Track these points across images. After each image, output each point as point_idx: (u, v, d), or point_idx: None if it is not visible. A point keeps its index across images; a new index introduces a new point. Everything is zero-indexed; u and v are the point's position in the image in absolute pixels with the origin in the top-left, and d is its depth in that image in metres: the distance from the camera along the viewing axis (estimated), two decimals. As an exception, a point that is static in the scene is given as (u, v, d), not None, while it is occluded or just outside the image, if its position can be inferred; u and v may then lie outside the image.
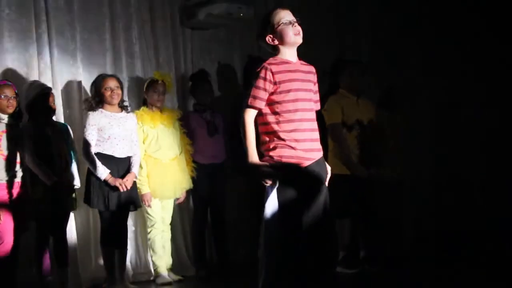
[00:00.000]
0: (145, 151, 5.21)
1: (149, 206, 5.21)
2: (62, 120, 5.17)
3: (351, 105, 5.32)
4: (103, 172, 4.83)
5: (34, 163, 4.64)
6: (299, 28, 3.49)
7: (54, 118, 5.01)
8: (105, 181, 4.84)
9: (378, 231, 5.31)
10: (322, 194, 3.46)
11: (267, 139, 3.45)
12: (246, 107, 3.44)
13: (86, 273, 5.19)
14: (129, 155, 5.02)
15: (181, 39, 5.96)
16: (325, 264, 3.49)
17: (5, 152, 4.55)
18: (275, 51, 3.53)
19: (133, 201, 5.01)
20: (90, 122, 4.92)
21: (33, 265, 4.78)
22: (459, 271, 4.94)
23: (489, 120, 6.19)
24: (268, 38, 3.51)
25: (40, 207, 4.69)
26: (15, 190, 4.58)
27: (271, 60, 3.49)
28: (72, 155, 4.95)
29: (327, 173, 3.55)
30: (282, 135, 3.42)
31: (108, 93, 4.98)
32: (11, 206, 4.54)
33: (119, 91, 5.06)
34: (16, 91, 4.68)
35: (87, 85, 5.35)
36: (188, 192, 5.53)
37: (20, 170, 4.62)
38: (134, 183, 5.03)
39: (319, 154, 3.52)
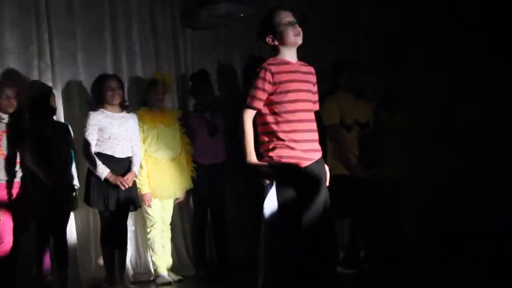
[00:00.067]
0: (145, 151, 5.22)
1: (149, 206, 5.21)
2: (62, 120, 5.18)
3: (350, 105, 5.32)
4: (103, 171, 4.84)
5: (34, 163, 4.65)
6: (299, 29, 3.50)
7: (54, 118, 5.01)
8: (106, 180, 4.85)
9: (378, 231, 5.31)
10: (321, 194, 3.47)
11: (266, 139, 3.46)
12: (245, 107, 3.45)
13: (86, 273, 5.20)
14: (129, 155, 5.02)
15: (181, 39, 5.96)
16: (325, 264, 3.49)
17: (5, 152, 4.56)
18: (275, 51, 3.54)
19: (133, 201, 5.02)
20: (91, 122, 4.92)
21: (33, 265, 4.80)
22: (459, 271, 4.94)
23: (489, 120, 6.18)
24: (268, 39, 3.52)
25: (40, 207, 4.70)
26: (15, 190, 4.59)
27: (270, 60, 3.50)
28: (72, 155, 4.95)
29: (326, 174, 3.56)
30: (281, 135, 3.43)
31: (109, 93, 4.99)
32: (11, 206, 4.55)
33: (120, 91, 5.07)
34: (17, 91, 4.68)
35: (87, 85, 5.36)
36: (188, 192, 5.54)
37: (20, 170, 4.63)
38: (134, 183, 5.03)
39: (318, 155, 3.52)
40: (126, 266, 5.18)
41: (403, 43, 6.43)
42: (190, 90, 5.76)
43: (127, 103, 5.20)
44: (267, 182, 3.43)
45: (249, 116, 3.45)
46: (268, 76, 3.43)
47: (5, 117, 4.63)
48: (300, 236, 3.41)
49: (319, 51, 5.87)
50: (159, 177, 5.24)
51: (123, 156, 4.98)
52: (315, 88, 3.60)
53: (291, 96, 3.45)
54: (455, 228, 5.94)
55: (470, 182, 6.30)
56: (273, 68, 3.45)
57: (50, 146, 4.78)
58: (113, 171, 4.88)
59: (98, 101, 5.03)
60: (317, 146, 3.52)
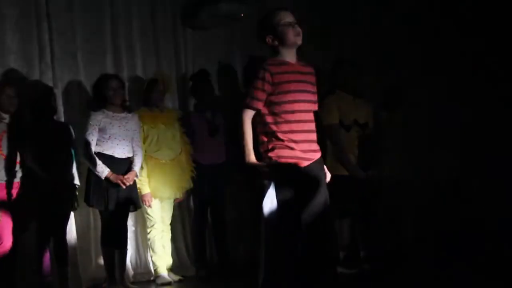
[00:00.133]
0: (145, 151, 5.21)
1: (149, 206, 5.22)
2: (62, 120, 5.18)
3: (349, 105, 5.32)
4: (103, 170, 4.84)
5: (35, 163, 4.65)
6: (299, 29, 3.50)
7: (54, 117, 5.02)
8: (106, 179, 4.85)
9: (378, 231, 5.32)
10: (321, 194, 3.47)
11: (266, 139, 3.47)
12: (244, 107, 3.46)
13: (86, 273, 5.20)
14: (129, 155, 5.02)
15: (181, 39, 5.96)
16: (325, 264, 3.50)
17: (5, 152, 4.57)
18: (274, 51, 3.54)
19: (133, 201, 5.02)
20: (91, 122, 4.93)
21: (33, 265, 4.79)
22: (458, 271, 4.95)
23: (488, 120, 6.19)
24: (268, 39, 3.52)
25: (40, 207, 4.70)
26: (15, 190, 4.60)
27: (270, 60, 3.50)
28: (73, 154, 4.96)
29: (325, 174, 3.57)
30: (280, 135, 3.44)
31: (110, 93, 4.99)
32: (11, 206, 4.55)
33: (121, 91, 5.07)
34: (17, 91, 4.69)
35: (87, 85, 5.36)
36: (188, 192, 5.54)
37: (20, 170, 4.63)
38: (135, 183, 5.03)
39: (318, 155, 3.53)
40: (126, 266, 5.19)
41: (402, 43, 6.44)
42: (190, 90, 5.77)
43: (128, 103, 5.20)
44: (266, 182, 3.44)
45: (248, 116, 3.46)
46: (268, 76, 3.44)
47: (6, 117, 4.64)
48: (299, 236, 3.42)
49: (319, 51, 5.88)
50: (159, 177, 5.24)
51: (123, 156, 4.98)
52: (314, 89, 3.60)
53: (290, 97, 3.45)
54: (455, 228, 5.96)
55: (470, 182, 6.32)
56: (273, 69, 3.46)
57: (50, 146, 4.78)
58: (113, 171, 4.87)
59: (99, 101, 5.03)
60: (316, 146, 3.53)
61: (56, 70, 5.26)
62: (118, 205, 4.91)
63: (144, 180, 5.18)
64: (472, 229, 5.89)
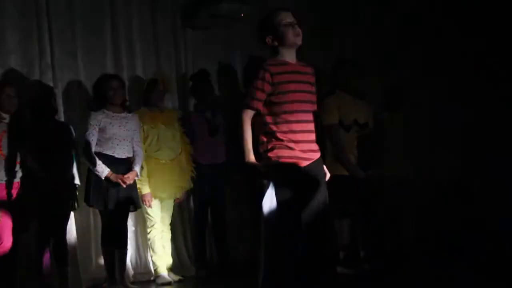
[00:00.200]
0: (145, 151, 5.21)
1: (149, 206, 5.21)
2: (62, 120, 5.18)
3: (349, 105, 5.31)
4: (103, 169, 4.83)
5: (35, 163, 4.65)
6: (299, 30, 3.51)
7: (55, 117, 5.02)
8: (107, 179, 4.85)
9: (378, 231, 5.31)
10: (320, 194, 3.48)
11: (265, 139, 3.47)
12: (244, 107, 3.47)
13: (86, 273, 5.20)
14: (129, 155, 5.02)
15: (181, 39, 5.96)
16: (325, 264, 3.50)
17: (5, 152, 4.57)
18: (274, 52, 3.54)
19: (133, 201, 5.02)
20: (91, 122, 4.92)
21: (33, 265, 4.79)
22: (459, 271, 4.94)
23: (489, 120, 6.18)
24: (268, 39, 3.52)
25: (41, 207, 4.70)
26: (15, 190, 4.60)
27: (270, 61, 3.51)
28: (73, 154, 4.96)
29: (325, 174, 3.56)
30: (280, 135, 3.44)
31: (110, 93, 4.99)
32: (11, 206, 4.55)
33: (122, 91, 5.07)
34: (18, 91, 4.70)
35: (87, 85, 5.36)
36: (188, 192, 5.54)
37: (20, 170, 4.63)
38: (135, 182, 5.03)
39: (317, 155, 3.53)
40: (126, 266, 5.18)
41: (404, 43, 6.43)
42: (190, 90, 5.76)
43: (128, 103, 5.19)
44: (266, 181, 3.44)
45: (248, 116, 3.47)
46: (268, 76, 3.44)
47: (6, 117, 4.64)
48: (299, 235, 3.42)
49: (321, 51, 5.88)
50: (159, 177, 5.24)
51: (123, 156, 4.98)
52: (314, 89, 3.60)
53: (290, 97, 3.45)
54: (456, 228, 5.95)
55: (471, 182, 6.31)
56: (273, 69, 3.46)
57: (50, 146, 4.78)
58: (113, 171, 4.87)
59: (99, 101, 5.03)
60: (315, 146, 3.53)
61: (56, 70, 5.26)
62: (118, 205, 4.90)
63: (144, 180, 5.17)
64: (474, 229, 5.89)
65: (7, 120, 4.64)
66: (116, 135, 4.95)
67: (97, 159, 4.85)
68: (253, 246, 4.03)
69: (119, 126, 4.98)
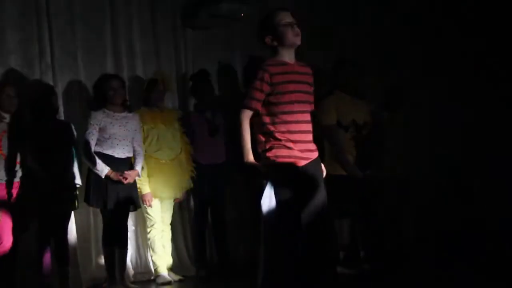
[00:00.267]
0: (145, 151, 5.21)
1: (150, 206, 5.22)
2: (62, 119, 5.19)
3: (347, 105, 5.31)
4: (103, 168, 4.83)
5: (35, 163, 4.65)
6: (298, 30, 3.51)
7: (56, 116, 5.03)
8: (107, 178, 4.84)
9: (378, 231, 5.31)
10: (319, 193, 3.48)
11: (263, 139, 3.48)
12: (243, 107, 3.48)
13: (86, 273, 5.20)
14: (129, 155, 5.02)
15: (181, 39, 5.96)
16: (325, 264, 3.50)
17: (5, 152, 4.57)
18: (273, 52, 3.54)
19: (133, 201, 5.02)
20: (92, 121, 4.92)
21: (33, 265, 4.79)
22: (459, 271, 4.94)
23: (489, 120, 6.19)
24: (267, 39, 3.52)
25: (41, 207, 4.70)
26: (15, 190, 4.60)
27: (269, 61, 3.51)
28: (74, 153, 4.96)
29: (323, 174, 3.57)
30: (278, 135, 3.45)
31: (111, 93, 4.99)
32: (11, 206, 4.55)
33: (122, 91, 5.07)
34: (18, 91, 4.70)
35: (87, 85, 5.36)
36: (188, 192, 5.54)
37: (20, 170, 4.63)
38: (135, 182, 5.03)
39: (315, 154, 3.54)
40: (126, 266, 5.19)
41: (404, 43, 6.44)
42: (190, 90, 5.76)
43: (128, 103, 5.20)
44: (265, 181, 3.45)
45: (246, 116, 3.47)
46: (266, 77, 3.45)
47: (7, 117, 4.65)
48: (299, 235, 3.42)
49: (321, 51, 5.88)
50: (159, 177, 5.24)
51: (123, 156, 4.98)
52: (312, 89, 3.61)
53: (288, 97, 3.46)
54: (456, 228, 5.95)
55: (471, 182, 6.31)
56: (272, 69, 3.46)
57: (51, 145, 4.79)
58: (112, 171, 4.87)
59: (100, 101, 5.03)
60: (313, 146, 3.55)
61: (56, 70, 5.26)
62: (118, 204, 4.90)
63: (144, 180, 5.17)
64: (474, 229, 5.89)
65: (7, 120, 4.64)
66: (116, 135, 4.95)
67: (96, 158, 4.85)
68: (253, 246, 4.02)
69: (119, 126, 4.99)
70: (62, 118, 5.20)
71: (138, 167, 5.01)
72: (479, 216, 6.08)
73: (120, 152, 4.96)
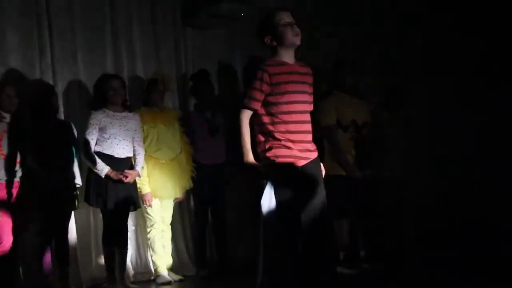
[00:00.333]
0: (145, 151, 5.21)
1: (150, 206, 5.22)
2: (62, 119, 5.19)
3: (347, 105, 5.32)
4: (103, 168, 4.83)
5: (35, 163, 4.66)
6: (298, 30, 3.51)
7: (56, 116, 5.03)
8: (107, 177, 4.84)
9: (378, 231, 5.31)
10: (319, 193, 3.49)
11: (263, 139, 3.48)
12: (242, 108, 3.48)
13: (86, 273, 5.20)
14: (129, 155, 5.02)
15: (181, 39, 5.96)
16: (325, 264, 3.50)
17: (5, 152, 4.57)
18: (273, 52, 3.54)
19: (133, 201, 5.02)
20: (92, 121, 4.93)
21: (34, 265, 4.79)
22: (460, 271, 4.94)
23: (489, 120, 6.19)
24: (267, 39, 3.53)
25: (41, 207, 4.70)
26: (15, 190, 4.60)
27: (268, 61, 3.52)
28: (74, 153, 4.96)
29: (322, 173, 3.57)
30: (277, 135, 3.46)
31: (111, 93, 4.99)
32: (11, 206, 4.55)
33: (122, 91, 5.07)
34: (18, 91, 4.70)
35: (87, 84, 5.36)
36: (189, 192, 5.54)
37: (20, 170, 4.63)
38: (135, 182, 5.03)
39: (314, 154, 3.54)
40: (126, 266, 5.19)
41: (403, 43, 6.44)
42: (190, 90, 5.76)
43: (128, 103, 5.20)
44: (264, 181, 3.45)
45: (246, 116, 3.48)
46: (266, 77, 3.45)
47: (7, 117, 4.65)
48: (299, 235, 3.42)
49: (321, 51, 5.88)
50: (159, 177, 5.24)
51: (123, 156, 4.98)
52: (311, 89, 3.61)
53: (288, 97, 3.47)
54: (456, 228, 5.95)
55: (471, 182, 6.31)
56: (271, 69, 3.47)
57: (51, 145, 4.79)
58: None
59: (100, 100, 5.02)
60: (312, 146, 3.55)
61: (56, 70, 5.26)
62: (118, 204, 4.90)
63: (144, 180, 5.17)
64: (474, 229, 5.89)
65: (7, 120, 4.64)
66: (116, 135, 4.95)
67: (96, 158, 4.85)
68: (253, 246, 4.01)
69: (119, 125, 4.99)
70: (62, 117, 5.20)
71: (138, 167, 5.02)
72: (480, 216, 6.07)
73: (120, 152, 4.96)
